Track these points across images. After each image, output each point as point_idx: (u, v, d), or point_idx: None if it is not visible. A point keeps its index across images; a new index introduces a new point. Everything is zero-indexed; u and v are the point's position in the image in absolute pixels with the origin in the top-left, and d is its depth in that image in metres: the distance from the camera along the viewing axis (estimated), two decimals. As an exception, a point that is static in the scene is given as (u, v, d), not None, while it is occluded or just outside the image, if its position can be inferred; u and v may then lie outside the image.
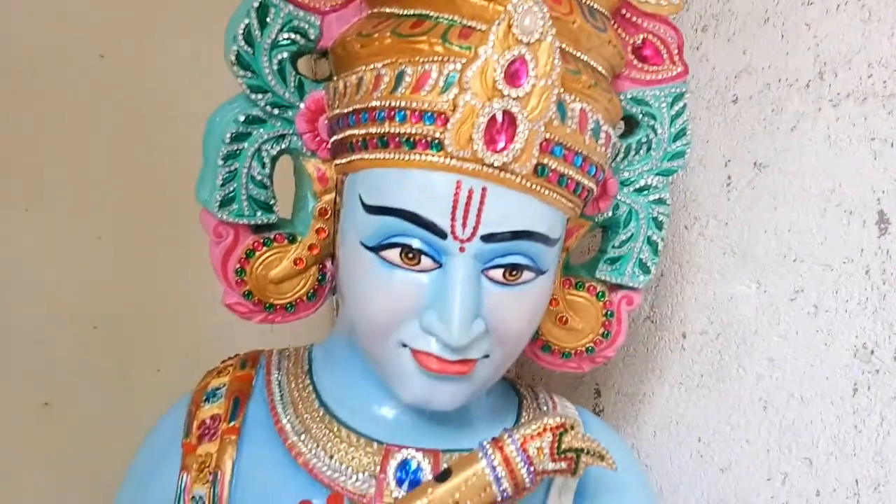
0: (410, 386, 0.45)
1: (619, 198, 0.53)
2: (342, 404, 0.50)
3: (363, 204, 0.44)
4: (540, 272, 0.45)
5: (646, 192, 0.53)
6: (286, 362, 0.54)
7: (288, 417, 0.49)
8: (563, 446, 0.41)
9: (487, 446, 0.42)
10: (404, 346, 0.44)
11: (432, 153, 0.41)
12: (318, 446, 0.47)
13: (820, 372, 0.58)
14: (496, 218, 0.42)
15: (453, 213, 0.41)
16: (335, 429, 0.48)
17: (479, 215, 0.41)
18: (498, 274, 0.43)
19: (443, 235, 0.42)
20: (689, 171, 0.69)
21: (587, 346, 0.55)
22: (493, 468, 0.41)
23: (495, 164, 0.40)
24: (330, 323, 0.97)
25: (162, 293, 0.89)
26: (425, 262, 0.43)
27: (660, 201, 0.53)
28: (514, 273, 0.43)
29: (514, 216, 0.42)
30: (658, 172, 0.53)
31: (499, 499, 0.41)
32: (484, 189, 0.41)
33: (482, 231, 0.42)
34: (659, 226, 0.54)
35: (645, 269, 0.54)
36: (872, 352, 0.55)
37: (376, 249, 0.43)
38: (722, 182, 0.66)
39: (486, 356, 0.45)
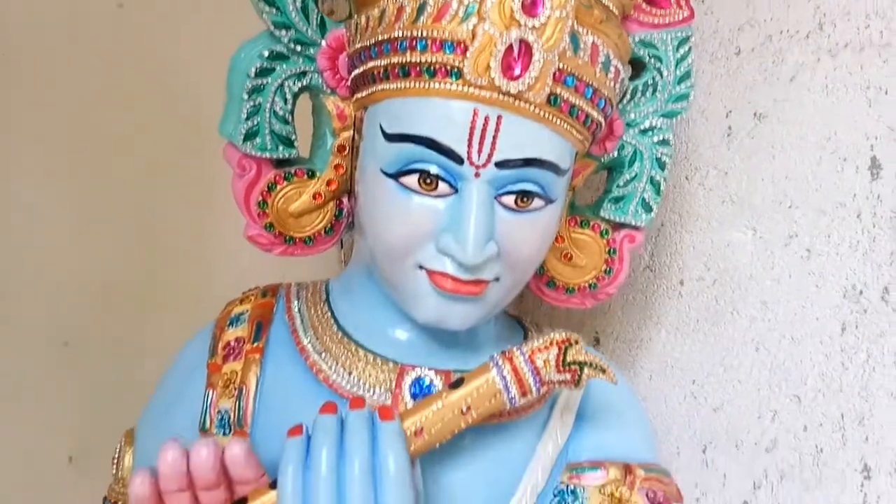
0: (426, 306, 0.47)
1: (624, 139, 0.55)
2: (359, 329, 0.52)
3: (384, 133, 0.46)
4: (549, 201, 0.47)
5: (650, 133, 0.55)
6: (304, 292, 0.56)
7: (309, 339, 0.52)
8: (568, 359, 0.44)
9: (498, 357, 0.45)
10: (420, 267, 0.46)
11: (451, 81, 0.43)
12: (337, 363, 0.50)
13: (811, 313, 0.61)
14: (510, 145, 0.44)
15: (470, 139, 0.43)
16: (353, 349, 0.51)
17: (494, 142, 0.43)
18: (510, 200, 0.45)
19: (459, 161, 0.44)
20: (691, 122, 0.71)
21: (590, 282, 0.57)
22: (503, 377, 0.43)
23: (511, 92, 0.42)
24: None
25: (181, 242, 0.92)
26: (442, 187, 0.45)
27: (663, 142, 0.55)
28: (525, 200, 0.46)
29: (526, 144, 0.44)
30: (663, 114, 0.55)
31: (507, 406, 0.44)
32: (499, 117, 0.43)
33: (497, 157, 0.44)
34: (662, 166, 0.56)
35: (647, 208, 0.56)
36: (861, 292, 0.57)
37: (396, 176, 0.45)
38: (722, 133, 0.68)
39: (497, 279, 0.47)
